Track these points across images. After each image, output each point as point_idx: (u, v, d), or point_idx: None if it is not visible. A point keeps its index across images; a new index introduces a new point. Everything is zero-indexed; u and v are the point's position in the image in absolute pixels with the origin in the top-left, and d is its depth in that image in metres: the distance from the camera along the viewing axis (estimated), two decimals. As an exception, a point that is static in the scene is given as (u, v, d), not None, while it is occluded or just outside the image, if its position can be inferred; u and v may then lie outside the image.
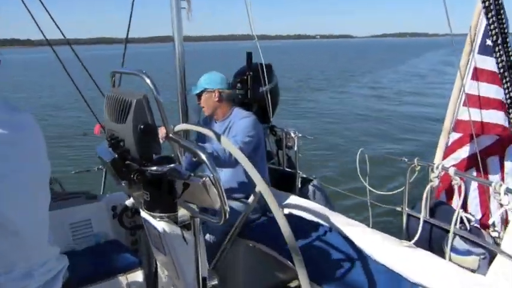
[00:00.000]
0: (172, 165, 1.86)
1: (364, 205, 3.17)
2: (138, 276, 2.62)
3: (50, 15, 2.77)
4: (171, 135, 1.78)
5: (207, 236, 2.81)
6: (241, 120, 2.90)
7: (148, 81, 1.73)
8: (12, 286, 1.05)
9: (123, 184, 2.37)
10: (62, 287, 1.22)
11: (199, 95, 3.00)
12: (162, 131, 2.12)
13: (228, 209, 1.72)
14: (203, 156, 1.66)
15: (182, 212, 1.93)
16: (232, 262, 3.09)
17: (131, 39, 3.60)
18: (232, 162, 2.63)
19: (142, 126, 1.75)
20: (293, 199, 3.25)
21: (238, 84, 3.53)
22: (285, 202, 3.22)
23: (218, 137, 2.01)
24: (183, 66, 3.38)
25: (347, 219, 2.93)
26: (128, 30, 3.48)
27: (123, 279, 2.58)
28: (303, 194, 3.41)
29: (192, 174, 1.74)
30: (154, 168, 1.85)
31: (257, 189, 1.91)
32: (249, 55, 3.55)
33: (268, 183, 3.21)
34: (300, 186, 3.46)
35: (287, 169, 3.57)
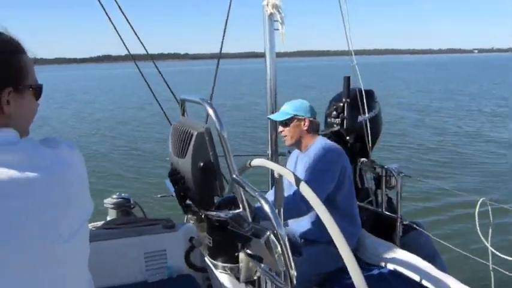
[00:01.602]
0: (236, 211, 1.59)
1: (484, 268, 2.54)
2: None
3: (134, 31, 2.73)
4: (234, 176, 1.49)
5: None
6: (320, 151, 2.56)
7: (211, 112, 1.48)
8: None
9: (191, 221, 2.16)
10: None
11: (285, 123, 2.69)
12: None
13: (295, 274, 1.39)
14: (267, 207, 1.35)
15: (247, 267, 1.63)
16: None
17: (224, 54, 3.47)
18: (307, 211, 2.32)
19: (202, 164, 1.50)
20: (394, 251, 2.74)
21: (334, 112, 3.17)
22: (385, 254, 2.72)
23: (297, 180, 1.67)
24: (274, 89, 3.12)
25: (462, 285, 2.35)
26: (221, 46, 3.36)
27: None
28: (405, 245, 2.88)
29: (257, 225, 1.43)
30: (214, 213, 1.60)
31: (335, 241, 1.52)
32: (347, 80, 3.18)
33: (359, 225, 2.77)
34: (401, 234, 2.94)
35: (386, 212, 3.07)
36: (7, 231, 0.83)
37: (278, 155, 3.17)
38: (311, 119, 2.67)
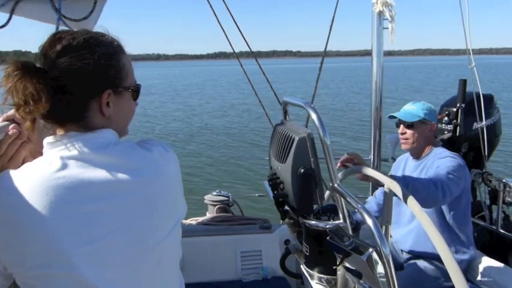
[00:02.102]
0: (336, 222, 1.51)
1: None
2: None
3: (239, 29, 2.77)
4: (335, 185, 1.42)
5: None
6: (444, 159, 2.27)
7: (314, 116, 1.43)
8: None
9: (287, 225, 2.14)
10: None
11: (410, 124, 2.42)
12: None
13: (400, 297, 1.28)
14: (370, 222, 1.25)
15: (345, 281, 1.55)
16: None
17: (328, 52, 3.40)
18: (435, 201, 2.06)
19: (302, 171, 1.46)
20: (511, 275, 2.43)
21: (446, 118, 2.90)
22: (500, 278, 2.41)
23: (405, 193, 1.54)
24: (380, 89, 2.91)
25: None
26: (326, 45, 3.28)
27: None
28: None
29: (358, 240, 1.35)
30: (312, 222, 1.54)
31: (444, 260, 1.36)
32: (463, 83, 2.89)
33: (472, 244, 2.49)
34: (519, 257, 2.60)
35: (502, 231, 2.74)
36: (97, 232, 0.86)
37: (381, 161, 3.00)
38: (436, 125, 2.44)
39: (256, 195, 3.89)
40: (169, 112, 21.18)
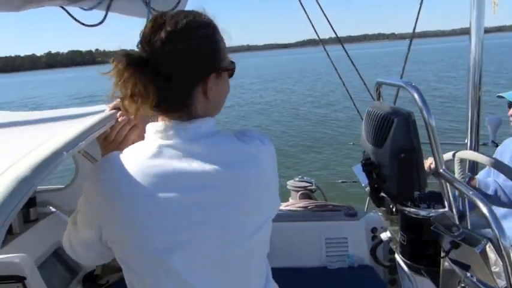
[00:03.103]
0: (440, 210, 1.40)
1: None
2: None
3: (323, 12, 2.68)
4: (441, 170, 1.31)
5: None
6: None
7: (416, 96, 1.32)
8: None
9: (379, 213, 2.04)
10: None
11: None
12: (427, 162, 1.64)
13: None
14: (484, 210, 1.13)
15: (450, 274, 1.43)
16: None
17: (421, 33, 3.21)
18: None
19: (403, 155, 1.36)
20: None
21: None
22: None
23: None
24: (479, 68, 2.63)
25: None
26: (415, 25, 3.07)
27: None
28: None
29: (469, 230, 1.23)
30: (413, 209, 1.44)
31: None
32: None
33: None
34: None
35: None
36: (185, 222, 0.84)
37: (479, 145, 2.74)
38: None
39: (339, 181, 3.79)
40: (257, 99, 21.43)
